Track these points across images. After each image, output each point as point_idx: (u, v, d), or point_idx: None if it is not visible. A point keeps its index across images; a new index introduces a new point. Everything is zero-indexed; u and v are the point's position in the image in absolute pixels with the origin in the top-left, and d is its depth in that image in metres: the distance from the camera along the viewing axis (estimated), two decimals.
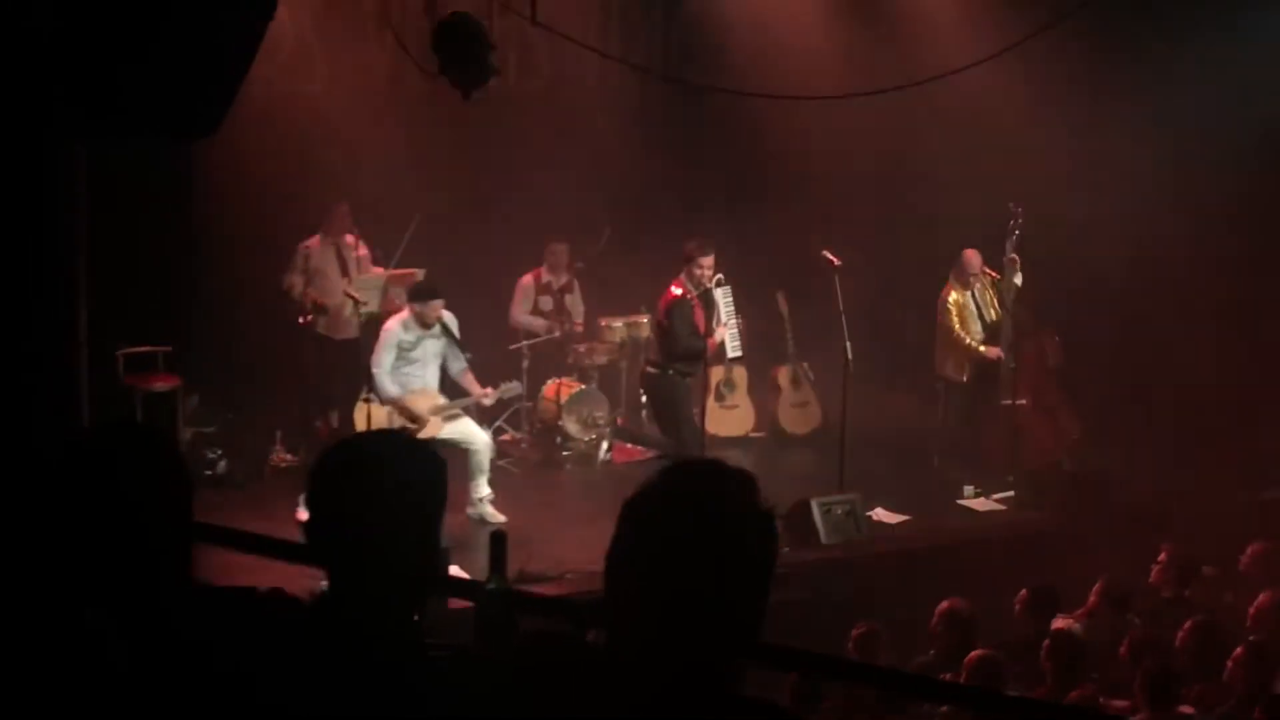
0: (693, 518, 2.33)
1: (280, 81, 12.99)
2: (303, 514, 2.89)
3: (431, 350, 10.82)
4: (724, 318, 11.06)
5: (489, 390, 10.98)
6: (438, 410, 10.71)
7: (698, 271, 10.98)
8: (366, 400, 10.79)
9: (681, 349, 11.05)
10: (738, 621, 2.34)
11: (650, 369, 11.48)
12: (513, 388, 11.34)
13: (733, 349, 11.21)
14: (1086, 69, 12.53)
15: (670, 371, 11.18)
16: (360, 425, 10.74)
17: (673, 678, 2.31)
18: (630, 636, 2.36)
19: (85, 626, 2.75)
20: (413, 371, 10.74)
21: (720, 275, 11.09)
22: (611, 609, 2.39)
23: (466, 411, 10.99)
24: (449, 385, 11.00)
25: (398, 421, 10.56)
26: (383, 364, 10.65)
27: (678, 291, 10.99)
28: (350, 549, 2.81)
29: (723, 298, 11.08)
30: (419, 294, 10.84)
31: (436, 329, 10.75)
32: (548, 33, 8.74)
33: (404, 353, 10.72)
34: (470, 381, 10.95)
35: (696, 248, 11.03)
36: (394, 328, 10.75)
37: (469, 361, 10.95)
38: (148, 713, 2.73)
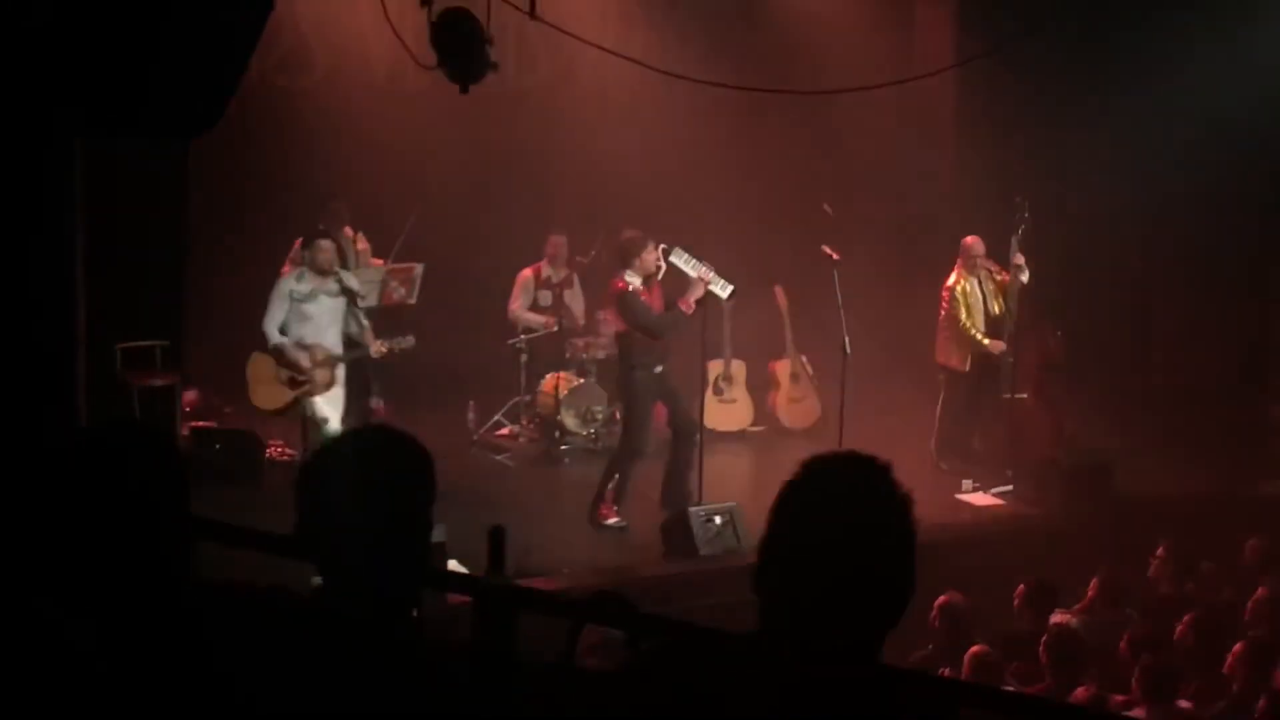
0: (843, 506, 2.52)
1: (278, 76, 13.00)
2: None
3: (328, 308, 10.54)
4: (694, 272, 10.66)
5: (380, 342, 10.75)
6: (324, 362, 10.46)
7: (640, 263, 10.57)
8: (268, 349, 10.58)
9: (641, 331, 10.58)
10: (892, 598, 2.53)
11: (621, 369, 11.00)
12: (405, 340, 10.91)
13: (721, 287, 10.66)
14: (1089, 62, 12.54)
15: (633, 369, 10.72)
16: (249, 373, 10.96)
17: (836, 657, 2.48)
18: (792, 622, 2.50)
19: (78, 622, 2.75)
20: (307, 331, 10.48)
21: (662, 245, 10.61)
22: (772, 597, 2.54)
23: (357, 365, 10.84)
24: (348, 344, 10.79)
25: (285, 373, 10.45)
26: (272, 315, 10.42)
27: (620, 284, 10.61)
28: (339, 544, 2.82)
29: (679, 258, 10.55)
30: (305, 239, 10.73)
31: (335, 288, 10.52)
32: (545, 27, 8.72)
33: (297, 305, 10.46)
34: (368, 339, 10.77)
35: (634, 242, 10.62)
36: (286, 278, 10.59)
37: (368, 325, 10.78)
38: (146, 710, 2.72)
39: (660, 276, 10.68)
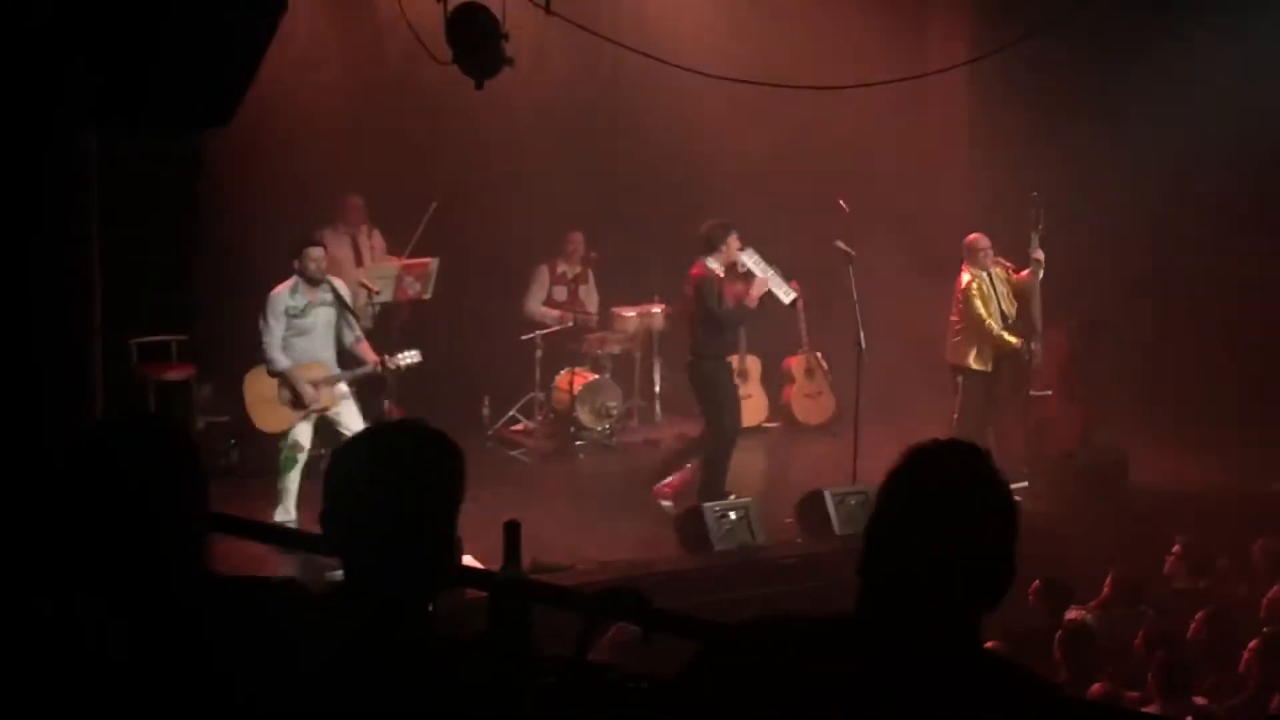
0: (951, 491, 2.60)
1: (293, 71, 12.99)
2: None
3: (323, 319, 10.30)
4: (761, 272, 10.82)
5: (382, 359, 10.44)
6: (326, 381, 10.22)
7: (724, 251, 10.77)
8: (270, 373, 10.33)
9: (716, 323, 10.74)
10: (995, 581, 2.62)
11: (689, 356, 11.07)
12: (410, 355, 10.60)
13: (785, 293, 10.91)
14: (1102, 61, 12.52)
15: (707, 357, 10.86)
16: (247, 396, 10.59)
17: (940, 636, 2.57)
18: (900, 606, 2.57)
19: (90, 616, 2.76)
20: (302, 344, 10.24)
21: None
22: (879, 581, 2.62)
23: (358, 382, 10.51)
24: (345, 359, 10.53)
25: (286, 394, 10.20)
26: (273, 333, 10.13)
27: (700, 270, 10.77)
28: (368, 540, 2.82)
29: (750, 258, 10.88)
30: (295, 245, 10.38)
31: (328, 296, 10.28)
32: (561, 21, 8.72)
33: (293, 321, 10.19)
34: (365, 350, 10.47)
35: (720, 229, 10.82)
36: (280, 292, 10.24)
37: (363, 331, 10.59)
38: (159, 704, 2.73)
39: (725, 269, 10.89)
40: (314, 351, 10.26)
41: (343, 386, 10.33)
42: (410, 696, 2.73)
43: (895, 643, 2.55)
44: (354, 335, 10.46)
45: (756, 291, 10.78)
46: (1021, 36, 9.89)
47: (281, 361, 10.16)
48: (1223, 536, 9.94)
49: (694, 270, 10.82)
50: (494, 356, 13.05)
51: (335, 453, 2.94)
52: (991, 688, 2.61)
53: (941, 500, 2.58)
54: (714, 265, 10.76)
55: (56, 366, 5.78)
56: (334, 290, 10.31)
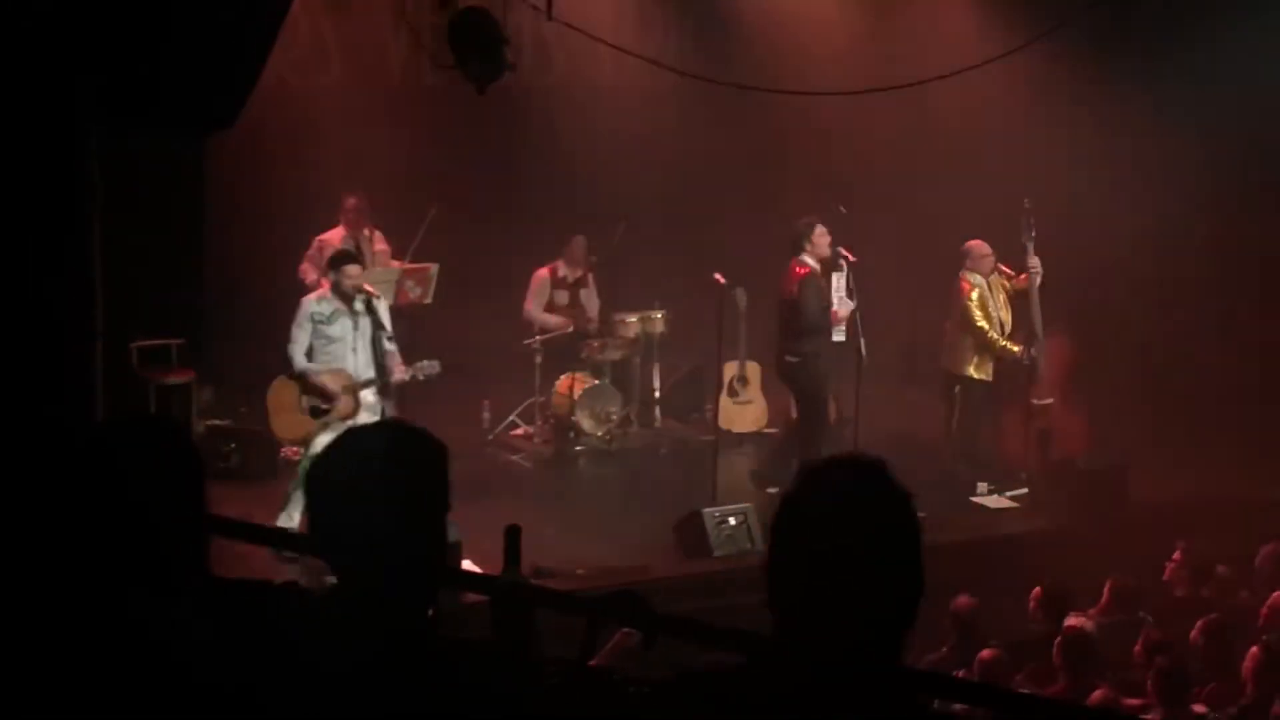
0: (841, 511, 2.49)
1: (295, 75, 13.01)
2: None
3: (358, 332, 10.18)
4: (837, 297, 11.05)
5: (404, 367, 10.37)
6: (351, 388, 10.14)
7: (817, 243, 11.01)
8: (291, 378, 10.26)
9: (811, 324, 11.03)
10: (903, 599, 2.50)
11: (789, 358, 11.31)
12: (430, 366, 10.54)
13: (836, 331, 11.12)
14: (1096, 66, 12.51)
15: (809, 354, 11.15)
16: (270, 403, 10.43)
17: (858, 664, 2.48)
18: (810, 634, 2.49)
19: (92, 618, 2.76)
20: (335, 352, 10.15)
21: (845, 255, 11.11)
22: (786, 610, 2.52)
23: (384, 391, 10.37)
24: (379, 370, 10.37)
25: (309, 402, 10.17)
26: (296, 339, 10.09)
27: (804, 269, 11.03)
28: (351, 541, 2.82)
29: (839, 278, 11.04)
30: (333, 260, 10.37)
31: (361, 308, 10.16)
32: (562, 27, 8.73)
33: (320, 328, 10.12)
34: (392, 363, 10.37)
35: (807, 224, 11.07)
36: (308, 299, 10.25)
37: (393, 343, 10.40)
38: (163, 706, 2.73)
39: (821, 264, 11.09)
40: (340, 359, 10.19)
41: (368, 397, 10.21)
42: (412, 699, 2.72)
43: (812, 671, 2.48)
44: (385, 350, 10.34)
45: (843, 312, 11.09)
46: (1029, 40, 9.89)
47: (301, 362, 10.14)
48: (1223, 544, 9.94)
49: (798, 269, 11.05)
50: (494, 361, 13.04)
51: (318, 455, 2.94)
52: (907, 713, 2.56)
53: (835, 519, 2.47)
54: (810, 261, 11.00)
55: (57, 369, 5.79)
56: (369, 304, 10.20)
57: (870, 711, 2.48)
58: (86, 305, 6.02)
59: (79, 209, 5.93)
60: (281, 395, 10.36)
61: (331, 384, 10.14)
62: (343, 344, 10.19)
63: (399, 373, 10.37)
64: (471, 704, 2.75)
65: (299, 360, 10.15)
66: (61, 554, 2.84)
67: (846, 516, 2.47)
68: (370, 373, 10.19)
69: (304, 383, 10.19)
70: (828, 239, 11.03)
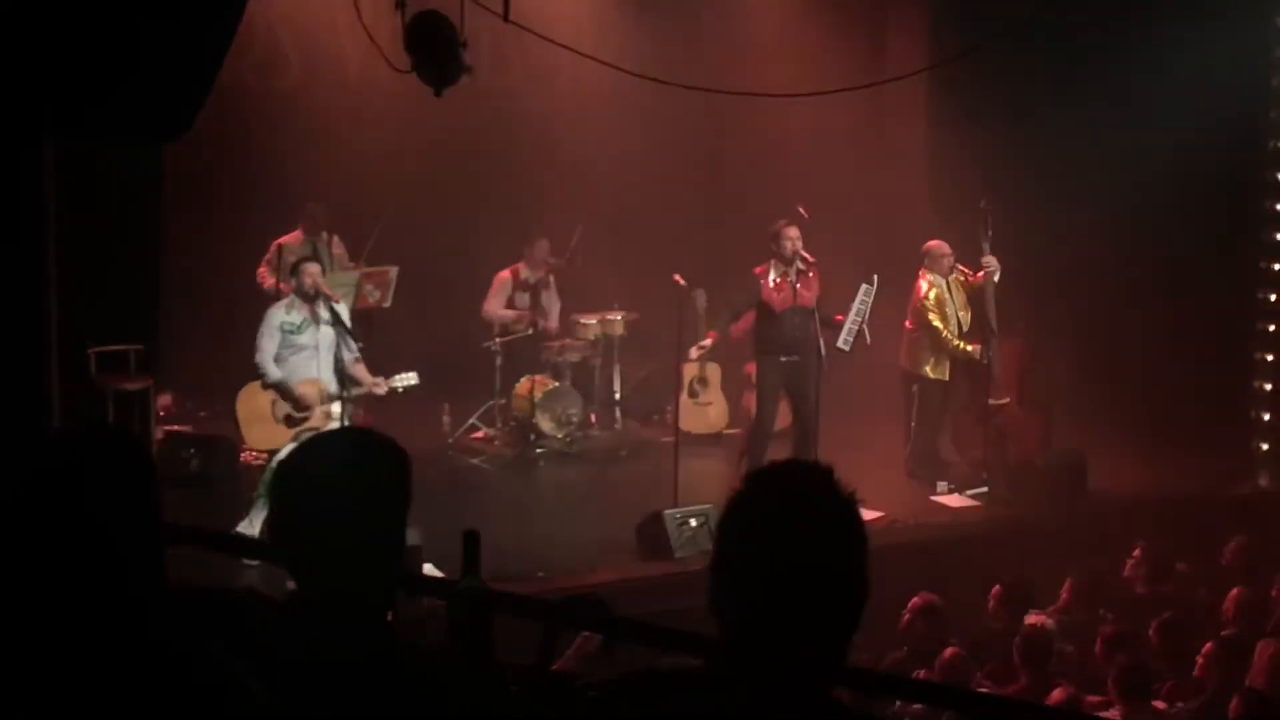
0: (783, 519, 2.47)
1: (251, 78, 12.96)
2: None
3: (323, 340, 10.16)
4: (855, 307, 11.02)
5: (380, 380, 10.36)
6: (325, 399, 10.14)
7: (782, 244, 11.06)
8: (264, 386, 10.19)
9: (755, 325, 11.30)
10: (847, 604, 2.48)
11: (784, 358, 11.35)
12: (408, 378, 10.55)
13: (842, 340, 11.06)
14: (1053, 69, 12.59)
15: (762, 355, 11.37)
16: (240, 412, 10.32)
17: (796, 666, 2.45)
18: (753, 640, 2.47)
19: (48, 630, 2.73)
20: (300, 361, 10.13)
21: (875, 277, 11.10)
22: (729, 617, 2.50)
23: (358, 403, 10.46)
24: (342, 381, 10.28)
25: (281, 410, 10.14)
26: (265, 349, 10.07)
27: (757, 270, 11.16)
28: (311, 548, 2.81)
29: (866, 293, 11.01)
30: (295, 263, 10.39)
31: (327, 316, 10.14)
32: (520, 29, 8.71)
33: (289, 337, 10.11)
34: (362, 372, 10.34)
35: (783, 224, 11.16)
36: (275, 309, 10.22)
37: (360, 351, 10.37)
38: (119, 716, 2.71)
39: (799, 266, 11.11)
40: (309, 370, 10.16)
41: (335, 408, 10.18)
42: (372, 705, 2.72)
43: (754, 677, 2.47)
44: (352, 356, 10.30)
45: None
46: (986, 40, 9.92)
47: (274, 373, 10.09)
48: (1182, 540, 10.00)
49: (758, 270, 11.20)
50: (454, 364, 13.00)
51: (280, 462, 2.93)
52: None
53: (777, 523, 2.46)
54: (775, 265, 11.10)
55: (12, 375, 5.75)
56: (333, 311, 10.18)
57: (817, 714, 2.48)
58: (41, 312, 5.98)
59: (33, 216, 5.89)
60: (253, 404, 10.28)
61: (309, 393, 10.12)
62: (310, 352, 10.17)
63: (378, 388, 10.36)
64: (428, 710, 2.75)
65: (271, 371, 10.10)
66: (16, 565, 2.81)
67: (790, 518, 2.46)
68: (333, 381, 10.15)
69: (280, 390, 10.14)
70: (789, 242, 11.00)
